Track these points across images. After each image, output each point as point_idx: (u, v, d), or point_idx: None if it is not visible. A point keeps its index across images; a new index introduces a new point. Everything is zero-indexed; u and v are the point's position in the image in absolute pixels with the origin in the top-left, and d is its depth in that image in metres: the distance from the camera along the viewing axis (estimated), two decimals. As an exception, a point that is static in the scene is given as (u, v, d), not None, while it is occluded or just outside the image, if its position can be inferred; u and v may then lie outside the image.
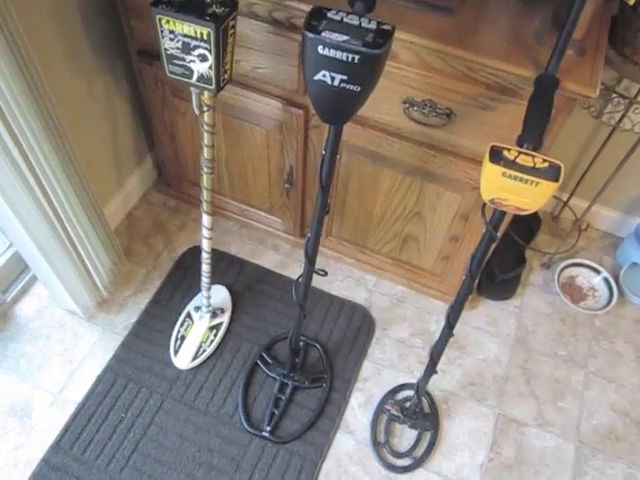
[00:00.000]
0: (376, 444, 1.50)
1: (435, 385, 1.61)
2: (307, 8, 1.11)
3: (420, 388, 1.41)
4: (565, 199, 1.95)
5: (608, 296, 1.81)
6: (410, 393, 1.57)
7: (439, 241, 1.56)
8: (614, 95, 1.40)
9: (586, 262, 1.88)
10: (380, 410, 1.55)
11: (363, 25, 0.83)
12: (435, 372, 1.32)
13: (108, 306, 1.70)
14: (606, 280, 1.84)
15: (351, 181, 1.50)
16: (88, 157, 1.53)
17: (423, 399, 1.57)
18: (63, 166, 1.29)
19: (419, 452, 1.50)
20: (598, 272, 1.86)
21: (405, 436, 1.52)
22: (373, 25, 0.83)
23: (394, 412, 1.53)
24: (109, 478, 1.39)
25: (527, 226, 1.95)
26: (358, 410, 1.56)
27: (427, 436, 1.52)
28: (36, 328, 1.64)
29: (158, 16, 0.96)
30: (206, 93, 1.11)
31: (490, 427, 1.55)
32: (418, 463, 1.48)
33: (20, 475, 1.39)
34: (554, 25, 1.09)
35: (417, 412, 1.52)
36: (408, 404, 1.52)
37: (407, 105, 1.21)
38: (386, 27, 0.83)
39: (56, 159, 1.26)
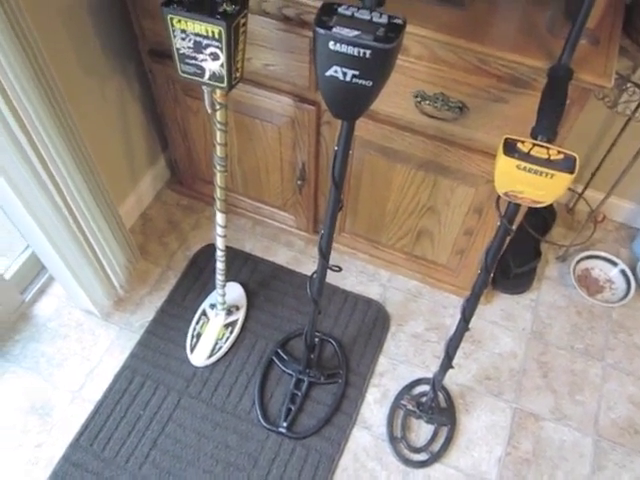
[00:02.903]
0: (393, 439, 1.50)
1: (451, 380, 1.61)
2: (317, 4, 1.11)
3: (436, 383, 1.41)
4: (580, 191, 1.93)
5: (625, 288, 1.79)
6: (426, 388, 1.57)
7: (453, 235, 1.55)
8: (629, 84, 1.38)
9: (602, 254, 1.86)
10: (396, 405, 1.55)
11: (374, 19, 0.82)
12: (451, 367, 1.32)
13: (124, 305, 1.71)
14: (623, 272, 1.82)
15: (364, 177, 1.50)
16: (102, 157, 1.54)
17: (439, 394, 1.57)
18: (78, 166, 1.31)
19: (436, 447, 1.49)
20: (615, 264, 1.84)
21: (422, 431, 1.52)
22: (384, 19, 0.82)
23: (410, 407, 1.53)
24: (128, 474, 1.41)
25: (542, 219, 1.93)
26: (374, 405, 1.56)
27: (444, 431, 1.52)
28: (55, 328, 1.66)
29: (169, 16, 0.97)
30: (218, 91, 1.11)
31: (507, 421, 1.55)
32: (435, 458, 1.48)
33: (41, 472, 1.41)
34: (566, 15, 1.08)
35: (433, 407, 1.51)
36: (424, 399, 1.52)
37: (419, 99, 1.21)
38: (397, 21, 0.83)
39: (71, 160, 1.27)
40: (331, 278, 1.78)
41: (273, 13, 1.20)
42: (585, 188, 1.90)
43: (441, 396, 1.57)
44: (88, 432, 1.47)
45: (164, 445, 1.46)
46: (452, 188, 1.40)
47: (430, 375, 1.53)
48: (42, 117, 1.14)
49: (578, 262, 1.84)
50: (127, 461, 1.43)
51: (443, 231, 1.55)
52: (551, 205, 1.96)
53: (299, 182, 1.62)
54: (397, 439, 1.50)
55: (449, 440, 1.50)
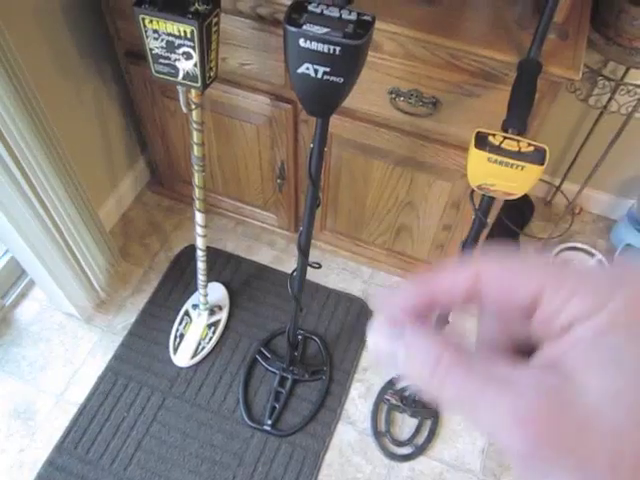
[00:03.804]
0: (377, 434, 1.51)
1: (434, 373, 1.62)
2: (289, 3, 1.12)
3: (418, 376, 1.42)
4: (557, 184, 1.96)
5: (603, 279, 1.82)
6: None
7: (432, 230, 1.57)
8: (600, 78, 1.41)
9: (580, 245, 1.89)
10: (380, 400, 1.56)
11: (344, 17, 0.83)
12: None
13: (106, 307, 1.71)
14: (601, 263, 1.85)
15: (342, 174, 1.51)
16: (80, 160, 1.53)
17: (422, 387, 1.58)
18: (56, 170, 1.30)
19: (420, 440, 1.51)
20: (592, 255, 1.87)
21: (406, 425, 1.54)
22: (353, 16, 0.83)
23: (394, 401, 1.54)
24: (113, 476, 1.41)
25: (520, 212, 1.95)
26: (358, 401, 1.57)
27: (428, 424, 1.54)
28: (36, 331, 1.65)
29: (141, 16, 0.97)
30: (193, 91, 1.11)
31: (490, 412, 1.56)
32: (420, 451, 1.49)
33: (26, 476, 1.41)
34: (535, 10, 1.09)
35: (417, 401, 1.53)
36: (408, 393, 1.54)
37: (393, 95, 1.22)
38: (366, 18, 0.84)
39: (48, 163, 1.27)
40: (313, 276, 1.79)
41: (247, 12, 1.20)
42: (562, 181, 1.93)
43: (424, 389, 1.59)
44: (72, 435, 1.46)
45: (149, 446, 1.46)
46: (429, 183, 1.42)
47: (413, 369, 1.54)
48: (18, 121, 1.14)
49: (557, 254, 1.87)
50: (112, 463, 1.43)
51: (422, 226, 1.57)
52: (529, 198, 1.99)
53: (279, 181, 1.62)
54: (381, 433, 1.51)
55: (433, 433, 1.52)
